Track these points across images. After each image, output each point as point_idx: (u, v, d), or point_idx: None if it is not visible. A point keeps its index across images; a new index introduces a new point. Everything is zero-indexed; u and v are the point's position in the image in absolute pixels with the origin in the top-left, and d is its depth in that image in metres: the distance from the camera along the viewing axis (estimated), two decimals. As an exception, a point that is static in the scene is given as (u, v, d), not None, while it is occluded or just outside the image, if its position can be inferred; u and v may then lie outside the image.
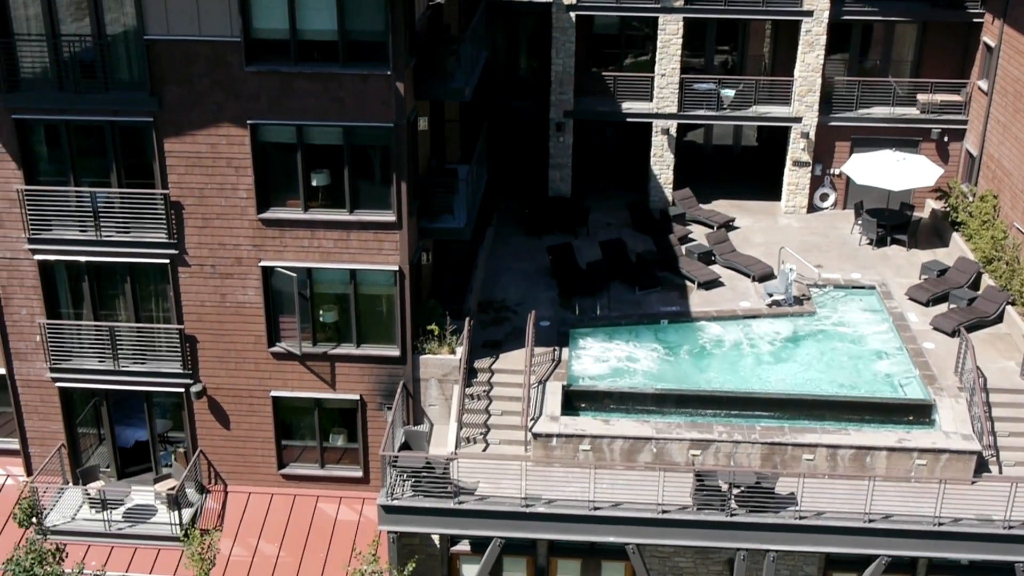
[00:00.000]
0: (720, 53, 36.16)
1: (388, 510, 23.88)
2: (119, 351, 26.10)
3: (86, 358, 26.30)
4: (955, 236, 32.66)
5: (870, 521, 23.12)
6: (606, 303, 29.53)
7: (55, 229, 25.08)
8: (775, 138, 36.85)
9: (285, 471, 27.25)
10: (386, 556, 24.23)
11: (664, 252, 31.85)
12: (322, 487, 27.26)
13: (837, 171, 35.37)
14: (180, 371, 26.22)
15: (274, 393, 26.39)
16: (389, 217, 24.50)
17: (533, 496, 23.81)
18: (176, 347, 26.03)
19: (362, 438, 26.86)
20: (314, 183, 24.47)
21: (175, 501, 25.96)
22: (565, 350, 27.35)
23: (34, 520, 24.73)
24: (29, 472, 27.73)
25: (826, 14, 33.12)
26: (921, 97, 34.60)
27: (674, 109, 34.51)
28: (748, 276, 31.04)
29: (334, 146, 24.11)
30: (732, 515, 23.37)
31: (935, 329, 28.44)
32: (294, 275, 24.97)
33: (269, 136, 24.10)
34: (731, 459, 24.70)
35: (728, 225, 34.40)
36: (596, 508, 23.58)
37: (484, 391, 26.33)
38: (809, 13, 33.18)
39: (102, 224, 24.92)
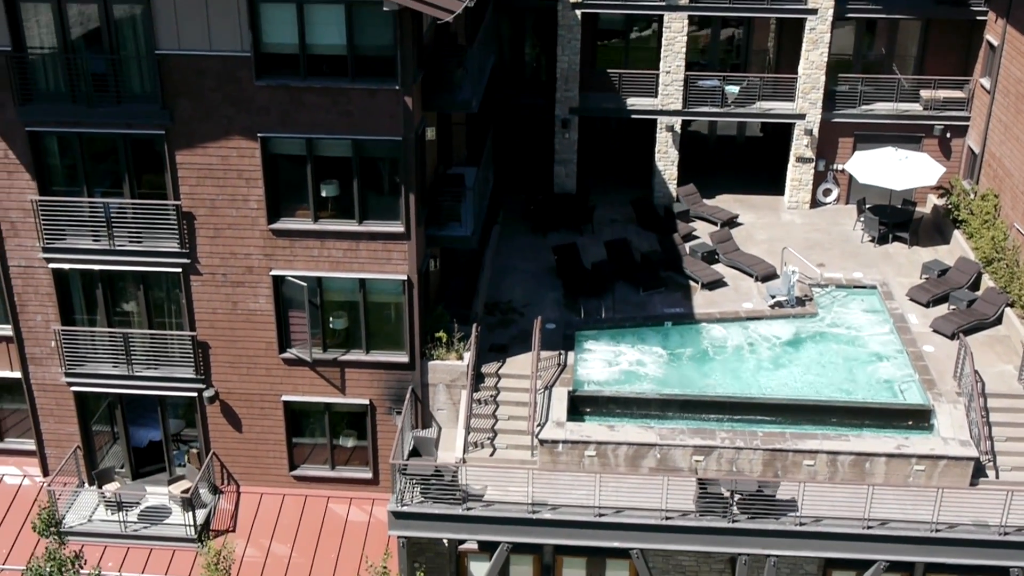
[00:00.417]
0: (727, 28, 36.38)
1: (398, 515, 24.46)
2: (133, 356, 26.60)
3: (100, 363, 26.79)
4: (956, 233, 33.03)
5: (868, 527, 23.68)
6: (611, 305, 29.95)
7: (69, 238, 25.49)
8: (779, 129, 37.07)
9: (296, 472, 27.83)
10: (396, 567, 24.82)
11: (668, 251, 32.22)
12: (332, 488, 27.84)
13: (840, 167, 35.65)
14: (193, 376, 26.73)
15: (285, 397, 26.90)
16: (398, 228, 24.88)
17: (539, 502, 24.37)
18: (189, 353, 26.51)
19: (371, 440, 27.40)
20: (324, 194, 24.85)
21: (189, 503, 26.54)
22: (570, 354, 27.80)
23: (53, 529, 25.27)
24: (45, 472, 28.34)
25: (830, 12, 33.29)
26: (924, 93, 34.80)
27: (679, 106, 34.76)
28: (751, 276, 31.43)
29: (343, 158, 24.45)
30: (734, 521, 23.94)
31: (935, 331, 28.84)
32: (304, 284, 25.39)
33: (279, 148, 24.44)
34: (733, 464, 25.23)
35: (732, 222, 34.74)
36: (601, 515, 24.14)
37: (491, 396, 26.83)
38: (813, 11, 33.33)
39: (115, 233, 25.33)
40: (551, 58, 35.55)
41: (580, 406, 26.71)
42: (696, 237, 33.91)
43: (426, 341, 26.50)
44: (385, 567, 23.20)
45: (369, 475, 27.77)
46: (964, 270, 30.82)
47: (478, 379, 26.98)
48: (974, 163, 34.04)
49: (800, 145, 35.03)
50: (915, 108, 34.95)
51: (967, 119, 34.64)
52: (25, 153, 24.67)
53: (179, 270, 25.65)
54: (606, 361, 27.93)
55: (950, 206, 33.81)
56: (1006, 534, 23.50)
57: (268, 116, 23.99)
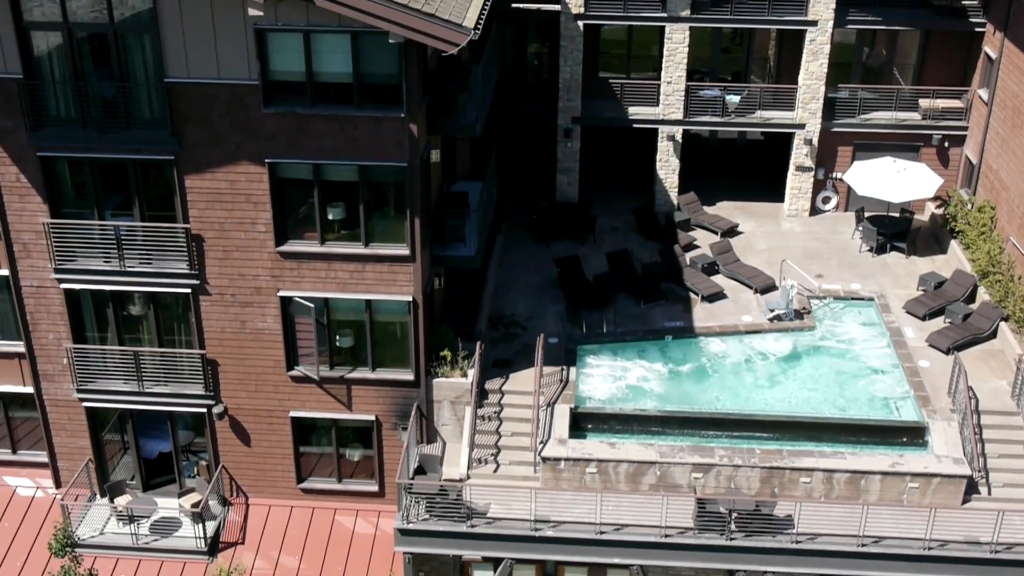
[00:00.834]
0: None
1: (404, 532, 25.07)
2: (143, 373, 27.13)
3: (111, 380, 27.32)
4: (953, 244, 33.48)
5: (863, 545, 24.29)
6: (612, 318, 30.45)
7: (80, 259, 25.95)
8: (780, 134, 37.39)
9: (304, 485, 28.44)
10: (402, 583, 25.52)
11: (669, 262, 32.68)
12: (339, 500, 28.45)
13: (839, 175, 36.04)
14: (202, 393, 27.27)
15: (293, 413, 27.46)
16: (403, 251, 25.36)
17: (542, 518, 24.98)
18: (198, 370, 27.04)
19: (377, 455, 27.99)
20: (330, 217, 25.29)
21: (200, 516, 27.14)
22: (572, 369, 28.33)
23: (69, 549, 25.88)
24: (58, 484, 28.95)
25: (830, 23, 33.59)
26: (923, 102, 35.14)
27: (680, 115, 35.13)
28: (751, 288, 31.90)
29: (350, 182, 24.89)
30: (731, 539, 24.55)
31: (931, 346, 29.34)
32: (311, 305, 25.88)
33: (286, 173, 24.88)
34: (732, 481, 25.79)
35: (732, 231, 35.18)
36: (602, 532, 24.76)
37: (495, 412, 27.38)
38: (814, 22, 33.63)
39: (125, 255, 25.79)
40: (554, 67, 35.88)
41: (582, 422, 27.26)
42: (696, 247, 34.36)
43: (431, 359, 27.03)
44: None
45: (375, 488, 28.37)
46: (960, 283, 31.29)
47: (482, 396, 27.52)
48: (971, 173, 34.45)
49: (800, 154, 35.42)
50: (914, 117, 35.30)
51: (965, 129, 35.01)
52: (37, 177, 25.12)
53: (188, 290, 26.14)
54: (607, 377, 28.46)
55: (948, 216, 34.23)
56: (997, 552, 24.10)
57: (276, 142, 24.40)
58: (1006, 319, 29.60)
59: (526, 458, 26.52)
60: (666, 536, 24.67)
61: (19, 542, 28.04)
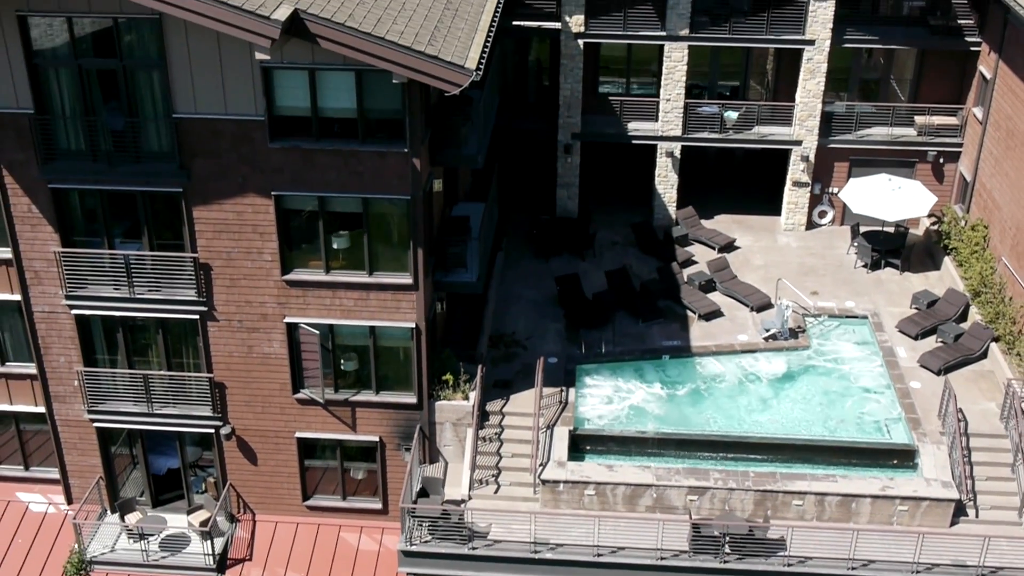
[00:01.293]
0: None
1: (407, 554, 25.83)
2: (152, 395, 27.80)
3: (121, 401, 28.01)
4: (947, 260, 34.07)
5: (852, 569, 25.03)
6: (611, 337, 31.08)
7: (90, 287, 26.57)
8: (777, 150, 37.94)
9: (309, 503, 29.17)
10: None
11: (667, 280, 33.28)
12: (344, 517, 29.18)
13: (835, 190, 36.58)
14: (210, 415, 27.95)
15: (299, 434, 28.16)
16: (406, 280, 25.97)
17: (541, 540, 25.71)
18: (206, 392, 27.71)
19: (381, 473, 28.69)
20: (335, 246, 25.89)
21: (208, 535, 27.89)
22: (571, 390, 28.99)
23: (83, 573, 26.64)
24: (69, 500, 29.69)
25: (827, 43, 34.05)
26: (918, 119, 35.63)
27: (679, 132, 35.64)
28: (747, 306, 32.51)
29: (354, 213, 25.48)
30: (725, 562, 25.28)
31: (922, 367, 29.97)
32: (316, 332, 26.52)
33: (292, 204, 25.45)
34: (726, 503, 26.49)
35: (729, 246, 35.76)
36: (599, 554, 25.50)
37: (496, 434, 28.06)
38: (811, 42, 34.09)
39: (135, 282, 26.40)
40: (554, 83, 36.35)
41: (580, 444, 27.95)
42: (694, 262, 34.95)
43: (433, 382, 27.68)
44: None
45: (379, 505, 29.10)
46: (953, 302, 31.89)
47: (483, 417, 28.19)
48: (966, 190, 34.98)
49: (796, 170, 35.95)
50: (909, 133, 35.79)
51: (960, 146, 35.51)
52: (48, 208, 25.70)
53: (196, 317, 26.77)
54: (606, 398, 29.12)
55: (942, 232, 34.78)
56: (982, 575, 24.84)
57: (281, 175, 24.97)
58: (997, 340, 30.21)
59: (526, 479, 27.23)
60: (661, 559, 25.40)
61: (32, 559, 28.80)
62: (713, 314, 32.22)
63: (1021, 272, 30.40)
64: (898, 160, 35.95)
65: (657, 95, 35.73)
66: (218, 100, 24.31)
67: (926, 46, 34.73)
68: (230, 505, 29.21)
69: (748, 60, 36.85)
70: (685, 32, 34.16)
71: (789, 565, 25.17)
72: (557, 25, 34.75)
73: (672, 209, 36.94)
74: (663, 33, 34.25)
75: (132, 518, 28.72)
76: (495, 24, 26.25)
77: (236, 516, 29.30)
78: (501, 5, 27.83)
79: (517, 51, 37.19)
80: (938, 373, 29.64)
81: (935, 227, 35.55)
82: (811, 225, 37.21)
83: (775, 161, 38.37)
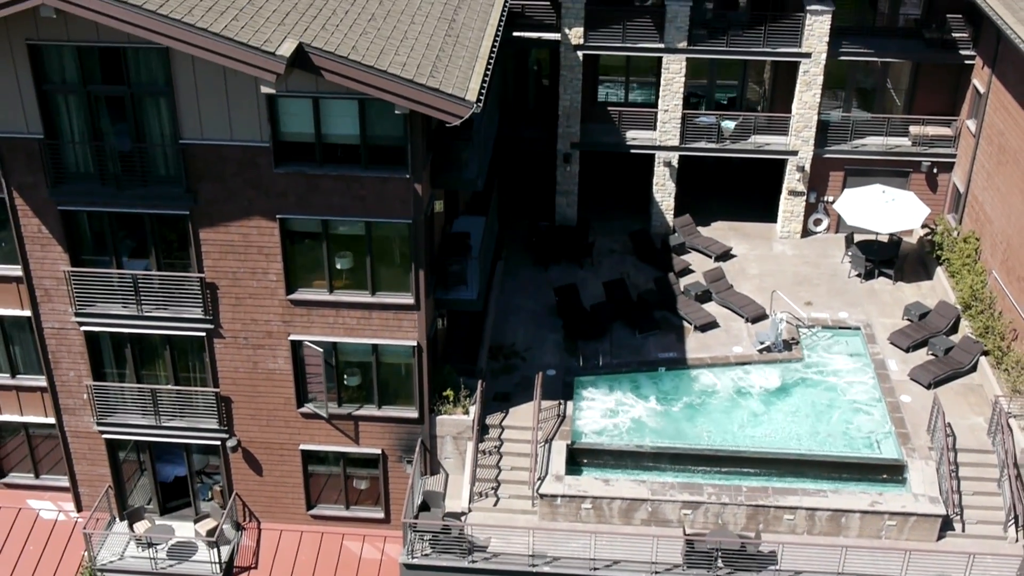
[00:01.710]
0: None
1: (409, 567, 26.58)
2: (160, 408, 28.48)
3: (129, 414, 28.69)
4: (939, 271, 34.67)
5: (841, 583, 25.87)
6: (608, 349, 31.72)
7: (99, 304, 27.18)
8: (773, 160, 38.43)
9: (313, 512, 29.90)
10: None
11: (664, 290, 33.88)
12: (347, 526, 29.92)
13: (830, 199, 37.13)
14: (217, 427, 28.64)
15: (303, 447, 28.85)
16: (408, 300, 26.58)
17: (539, 553, 26.47)
18: (212, 406, 28.39)
19: (383, 484, 29.41)
20: (338, 267, 26.49)
21: (215, 544, 28.64)
22: (569, 403, 29.66)
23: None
24: (79, 508, 30.43)
25: (823, 56, 34.49)
26: (913, 129, 36.12)
27: (676, 142, 36.15)
28: (742, 317, 33.14)
29: (357, 235, 26.05)
30: (718, 574, 26.04)
31: (913, 380, 30.62)
32: (320, 350, 27.16)
33: (296, 227, 26.01)
34: (719, 517, 27.22)
35: (726, 255, 36.35)
36: (595, 568, 26.26)
37: (495, 447, 28.76)
38: (807, 55, 34.55)
39: (143, 300, 27.01)
40: (553, 90, 36.80)
41: (578, 457, 28.66)
42: (691, 271, 35.55)
43: (434, 397, 28.34)
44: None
45: (381, 515, 29.83)
46: (944, 314, 32.51)
47: (483, 431, 28.88)
48: (958, 200, 35.52)
49: (792, 179, 36.48)
50: (904, 143, 36.30)
51: (953, 156, 36.02)
52: (57, 229, 26.27)
53: (203, 334, 27.40)
54: (603, 411, 29.81)
55: (934, 242, 35.35)
56: (968, 590, 25.66)
57: (286, 199, 25.52)
58: (986, 353, 30.85)
59: (525, 492, 27.95)
60: (655, 573, 26.16)
61: (44, 566, 29.55)
62: (709, 325, 32.85)
63: (1010, 287, 31.01)
64: (892, 170, 36.48)
65: (656, 96, 36.02)
66: (224, 126, 24.82)
67: (921, 59, 35.19)
68: (236, 514, 29.94)
69: (745, 71, 37.29)
70: (683, 45, 34.60)
71: (780, 579, 25.97)
72: (557, 36, 35.18)
73: (670, 217, 37.51)
74: (661, 45, 34.69)
75: (140, 527, 29.45)
76: (495, 48, 26.70)
77: (242, 524, 30.04)
78: (501, 28, 28.24)
79: (517, 59, 37.58)
80: (928, 387, 30.30)
81: (928, 237, 36.10)
82: (806, 233, 37.79)
83: (771, 168, 38.88)
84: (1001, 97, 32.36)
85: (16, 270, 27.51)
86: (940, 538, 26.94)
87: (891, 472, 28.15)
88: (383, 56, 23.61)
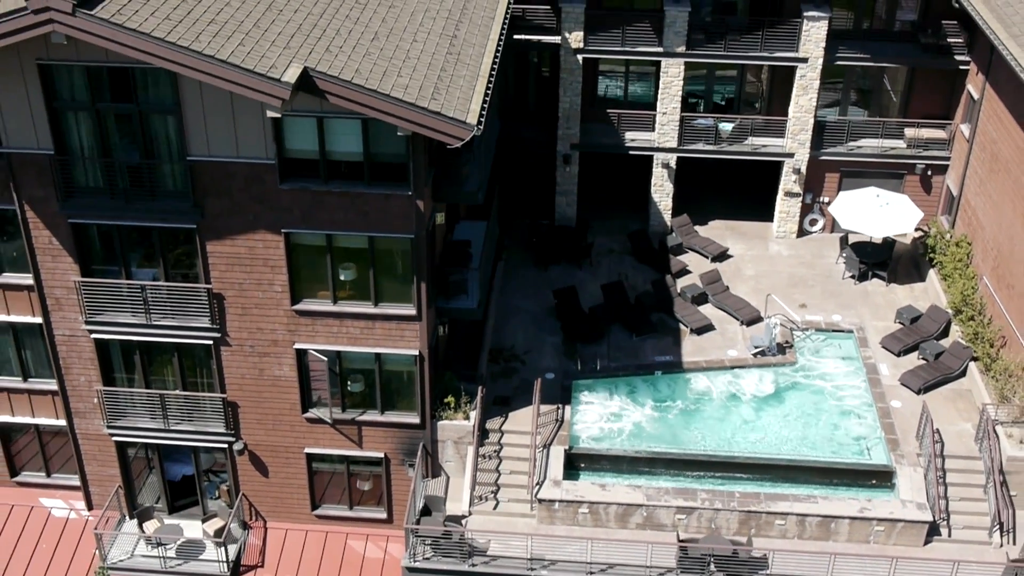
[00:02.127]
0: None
1: (411, 570, 27.43)
2: (168, 412, 29.23)
3: (139, 418, 29.44)
4: (932, 273, 35.30)
5: (830, 588, 26.70)
6: (606, 352, 32.42)
7: (108, 313, 27.85)
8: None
9: (318, 512, 30.73)
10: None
11: (661, 292, 34.54)
12: (351, 526, 30.76)
13: (826, 199, 37.69)
14: (224, 431, 29.40)
15: (307, 450, 29.63)
16: (410, 311, 27.24)
17: (538, 557, 27.30)
18: (220, 411, 29.13)
19: (386, 485, 30.22)
20: (342, 278, 27.13)
21: (223, 544, 29.49)
22: (567, 408, 30.40)
23: (107, 586, 28.33)
24: (90, 506, 31.26)
25: (820, 61, 34.94)
26: (908, 131, 36.61)
27: (674, 143, 36.67)
28: (737, 320, 33.80)
29: (360, 248, 26.68)
30: (710, 579, 26.96)
31: (903, 385, 31.34)
32: (325, 359, 27.86)
33: (301, 240, 26.63)
34: (712, 522, 28.03)
35: (722, 255, 36.96)
36: (591, 572, 27.10)
37: (495, 451, 29.53)
38: (804, 59, 34.99)
39: (151, 310, 27.68)
40: (553, 92, 37.26)
41: (575, 462, 29.43)
42: (688, 271, 36.17)
43: (436, 404, 29.07)
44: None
45: (384, 515, 30.66)
46: (935, 318, 33.17)
47: (483, 436, 29.64)
48: (952, 203, 36.07)
49: (788, 181, 37.03)
50: (899, 145, 36.81)
51: (948, 159, 36.53)
52: (68, 240, 26.89)
53: (210, 342, 28.09)
54: (600, 415, 30.56)
55: (927, 244, 35.95)
56: (952, 596, 26.50)
57: (291, 214, 26.12)
58: (975, 359, 31.53)
59: (524, 496, 28.75)
60: (650, 577, 27.07)
61: (56, 565, 30.41)
62: (705, 328, 33.52)
63: (1000, 293, 31.65)
64: (887, 172, 37.01)
65: (656, 89, 36.43)
66: (230, 144, 25.37)
67: (916, 64, 35.63)
68: (243, 513, 30.76)
69: (743, 74, 37.72)
70: (682, 49, 35.04)
71: (770, 584, 26.80)
72: (557, 39, 35.61)
73: (667, 217, 38.09)
74: (660, 49, 35.12)
75: (150, 526, 30.28)
76: (496, 64, 27.18)
77: (248, 523, 30.87)
78: (502, 42, 28.69)
79: (517, 60, 38.00)
80: (918, 392, 31.01)
81: (921, 239, 36.67)
82: (802, 232, 38.37)
83: (768, 168, 39.39)
84: (994, 105, 32.84)
85: (27, 278, 28.20)
86: (927, 543, 27.74)
87: (880, 478, 28.92)
88: (386, 78, 24.12)
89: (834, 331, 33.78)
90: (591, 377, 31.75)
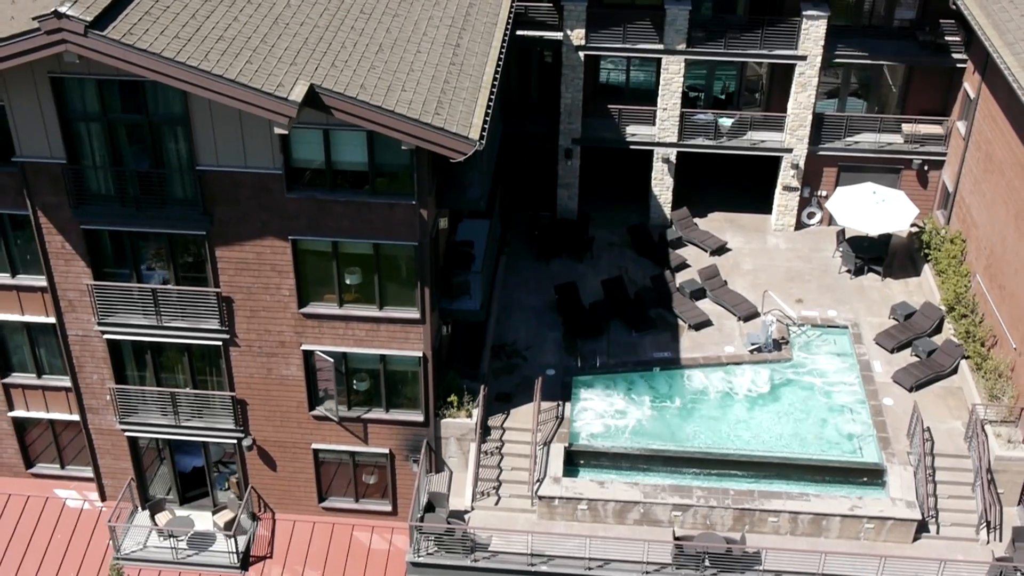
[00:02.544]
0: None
1: (415, 565, 28.37)
2: (179, 409, 30.05)
3: (150, 414, 30.27)
4: (926, 268, 35.93)
5: (821, 584, 27.63)
6: (606, 348, 33.15)
7: (120, 315, 28.58)
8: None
9: (325, 504, 31.64)
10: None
11: (660, 288, 35.20)
12: (357, 518, 31.67)
13: (824, 193, 38.24)
14: (233, 427, 30.23)
15: (314, 446, 30.48)
16: (414, 314, 27.95)
17: (538, 552, 28.21)
18: (229, 408, 29.94)
19: (391, 479, 31.09)
20: (348, 282, 27.82)
21: (233, 536, 30.42)
22: (568, 404, 31.18)
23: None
24: (103, 497, 32.18)
25: (819, 58, 35.36)
26: (905, 127, 37.10)
27: (674, 138, 37.18)
28: (735, 315, 34.49)
29: (366, 254, 27.35)
30: (705, 572, 27.83)
31: (896, 382, 32.06)
32: (331, 360, 28.62)
33: (308, 246, 27.30)
34: (707, 519, 28.89)
35: (721, 249, 37.58)
36: (590, 568, 28.02)
37: (497, 448, 30.36)
38: (803, 57, 35.41)
39: (162, 312, 28.40)
40: (555, 86, 37.70)
41: (575, 458, 30.26)
42: (687, 266, 36.81)
43: (439, 402, 29.86)
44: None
45: (389, 508, 31.57)
46: (928, 315, 33.84)
47: (485, 432, 30.46)
48: (947, 199, 36.61)
49: (787, 176, 37.57)
50: (896, 140, 37.30)
51: (944, 154, 37.02)
52: (80, 245, 27.56)
53: (220, 343, 28.84)
54: (599, 412, 31.34)
55: (923, 240, 36.53)
56: (939, 592, 27.42)
57: (298, 221, 26.76)
58: (967, 357, 32.23)
59: (525, 492, 29.60)
60: (647, 572, 27.91)
61: (71, 555, 31.38)
62: (703, 324, 34.21)
63: (992, 293, 32.29)
64: (884, 167, 37.53)
65: (657, 76, 36.87)
66: (238, 154, 25.96)
67: (914, 62, 36.04)
68: (252, 505, 31.67)
69: (743, 71, 38.13)
70: (682, 47, 35.45)
71: (763, 579, 27.71)
72: (559, 36, 36.01)
73: (667, 210, 38.67)
74: (661, 47, 35.54)
75: (162, 518, 31.21)
76: (499, 72, 27.68)
77: (257, 515, 31.79)
78: (505, 48, 29.16)
79: (520, 56, 38.40)
80: (910, 390, 31.74)
81: (917, 234, 37.23)
82: (800, 225, 38.95)
83: (767, 162, 39.88)
84: (989, 106, 33.30)
85: (41, 280, 28.89)
86: (915, 540, 28.59)
87: (871, 476, 29.73)
88: (390, 93, 24.67)
89: (829, 327, 34.45)
90: (591, 373, 32.50)
